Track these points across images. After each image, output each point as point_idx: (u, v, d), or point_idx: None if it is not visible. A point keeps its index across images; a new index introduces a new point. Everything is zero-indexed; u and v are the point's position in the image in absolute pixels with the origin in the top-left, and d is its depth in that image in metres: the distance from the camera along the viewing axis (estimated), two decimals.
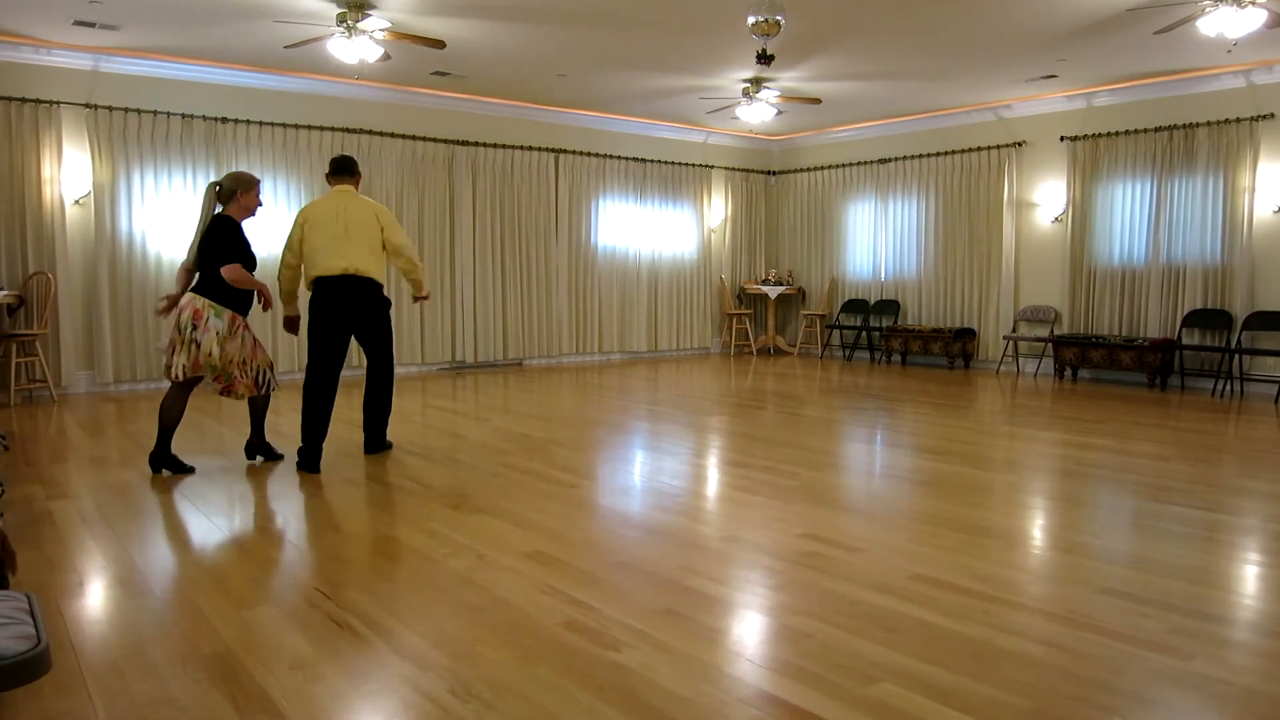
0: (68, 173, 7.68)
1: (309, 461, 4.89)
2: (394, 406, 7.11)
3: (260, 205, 4.87)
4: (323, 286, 4.99)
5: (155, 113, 7.99)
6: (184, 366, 4.58)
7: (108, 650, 2.56)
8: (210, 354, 4.58)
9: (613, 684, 2.34)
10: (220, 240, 4.63)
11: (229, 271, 4.60)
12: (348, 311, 5.04)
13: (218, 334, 4.61)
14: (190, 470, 4.82)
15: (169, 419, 4.74)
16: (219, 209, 4.75)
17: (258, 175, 8.44)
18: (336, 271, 4.95)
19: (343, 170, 5.20)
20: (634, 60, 8.07)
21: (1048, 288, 9.69)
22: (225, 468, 4.94)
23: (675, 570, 3.24)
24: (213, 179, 8.23)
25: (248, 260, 4.69)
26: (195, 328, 4.58)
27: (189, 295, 4.66)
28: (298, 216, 5.05)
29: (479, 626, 2.72)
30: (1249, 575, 3.29)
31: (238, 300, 4.70)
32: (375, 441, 5.37)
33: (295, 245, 5.03)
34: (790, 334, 12.47)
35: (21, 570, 3.01)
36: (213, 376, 4.65)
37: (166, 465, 4.79)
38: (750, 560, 3.38)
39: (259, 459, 5.13)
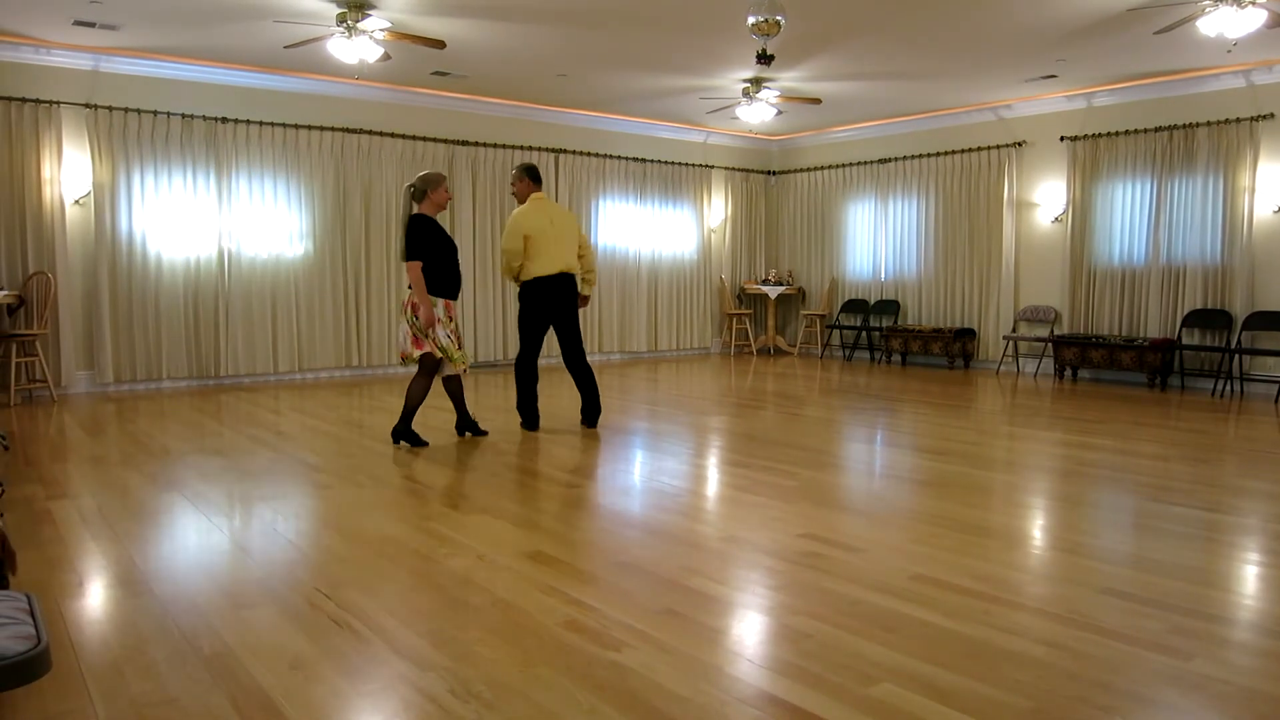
0: (68, 173, 7.68)
1: (532, 422, 6.10)
2: (395, 406, 7.13)
3: (449, 198, 5.51)
4: (541, 284, 5.92)
5: (155, 113, 7.99)
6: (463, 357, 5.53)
7: (108, 650, 2.55)
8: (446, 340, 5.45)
9: (613, 684, 2.34)
10: (410, 237, 5.30)
11: (410, 268, 5.29)
12: (561, 304, 6.00)
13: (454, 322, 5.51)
14: (425, 444, 5.52)
15: (417, 400, 5.45)
16: (415, 209, 5.40)
17: (260, 174, 8.51)
18: (555, 270, 5.92)
19: (540, 179, 6.09)
20: (634, 60, 8.07)
21: (1048, 288, 9.70)
22: (226, 467, 4.94)
23: (675, 570, 3.24)
24: (215, 178, 8.27)
25: (433, 254, 5.33)
26: (452, 320, 5.46)
27: (442, 301, 5.40)
28: (518, 227, 5.84)
29: (479, 626, 2.72)
30: (1249, 575, 3.29)
31: (445, 288, 5.41)
32: (597, 415, 6.23)
33: (520, 251, 5.87)
34: (790, 334, 12.47)
35: (21, 570, 3.02)
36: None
37: (406, 438, 5.51)
38: (750, 560, 3.38)
39: (468, 435, 5.83)
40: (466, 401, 5.89)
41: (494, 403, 7.35)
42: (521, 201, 5.99)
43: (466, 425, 5.84)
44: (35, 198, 7.54)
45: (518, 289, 6.07)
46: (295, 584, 3.11)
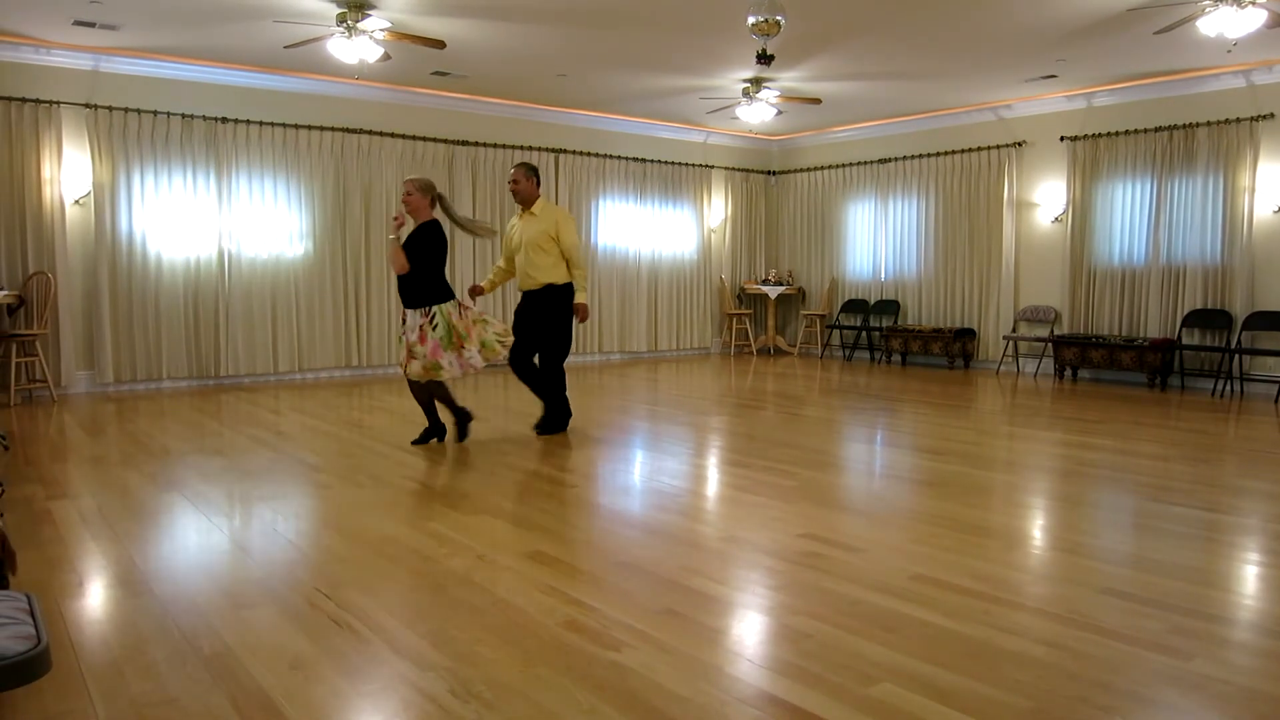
0: (68, 173, 7.68)
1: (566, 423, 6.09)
2: (395, 406, 7.11)
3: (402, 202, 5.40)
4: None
5: (155, 113, 7.99)
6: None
7: (108, 650, 2.55)
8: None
9: (613, 684, 2.34)
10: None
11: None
12: None
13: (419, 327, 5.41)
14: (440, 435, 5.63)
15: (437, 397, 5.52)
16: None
17: (260, 174, 8.51)
18: None
19: None
20: (634, 60, 8.07)
21: (1048, 288, 9.69)
22: (225, 467, 4.94)
23: (675, 570, 3.24)
24: (215, 178, 8.28)
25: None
26: (403, 325, 5.47)
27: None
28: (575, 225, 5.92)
29: (479, 626, 2.72)
30: (1249, 575, 3.29)
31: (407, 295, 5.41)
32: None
33: None
34: (790, 334, 12.47)
35: (21, 570, 3.01)
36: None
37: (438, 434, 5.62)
38: (750, 560, 3.38)
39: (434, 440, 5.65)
40: (454, 407, 5.63)
41: (496, 403, 7.34)
42: (526, 203, 5.82)
43: (433, 432, 5.63)
44: (35, 198, 7.54)
45: (535, 290, 5.80)
46: (295, 584, 3.11)
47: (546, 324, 5.82)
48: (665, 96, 9.63)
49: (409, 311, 5.34)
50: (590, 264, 10.84)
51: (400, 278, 5.29)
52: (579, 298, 5.80)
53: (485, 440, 5.75)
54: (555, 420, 5.99)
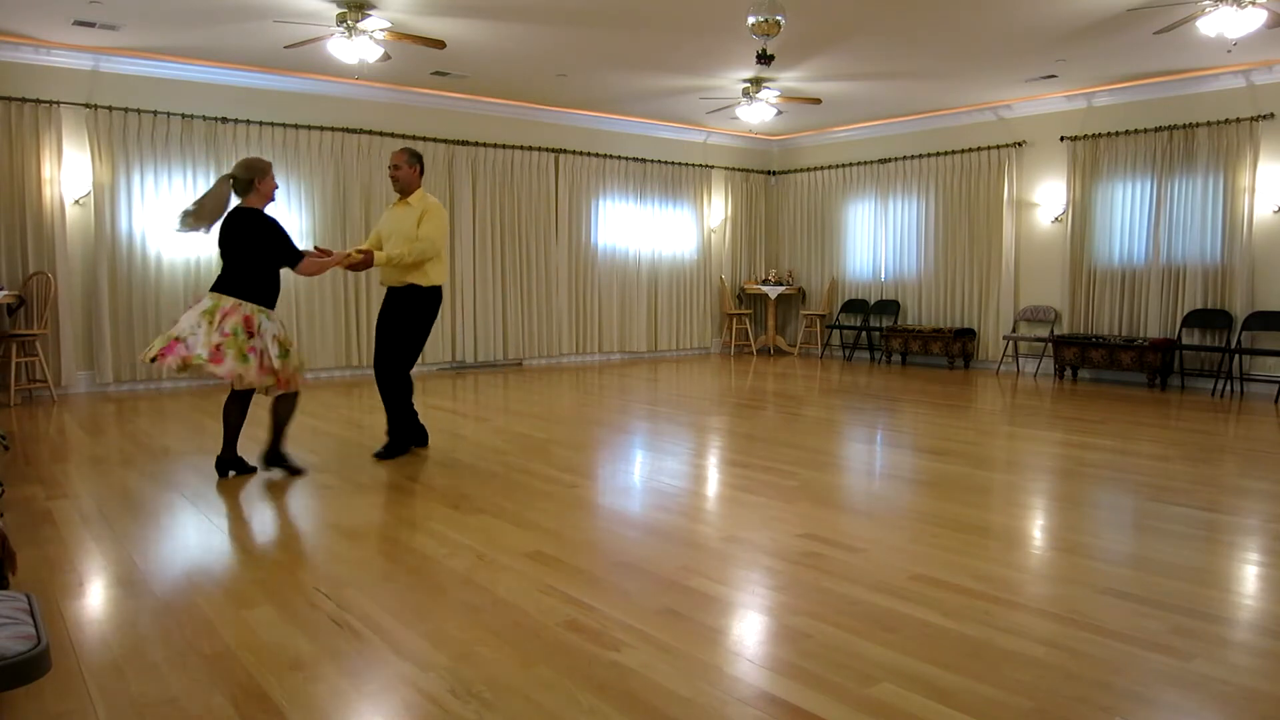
0: (68, 173, 7.68)
1: (424, 437, 5.53)
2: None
3: (276, 188, 4.76)
4: (440, 293, 5.33)
5: (155, 113, 7.99)
6: (245, 377, 4.41)
7: (108, 650, 2.55)
8: (275, 358, 4.48)
9: (613, 684, 2.34)
10: (271, 240, 4.58)
11: (307, 268, 4.79)
12: None
13: (274, 337, 4.53)
14: (253, 470, 4.78)
15: (232, 421, 4.68)
16: (235, 202, 4.61)
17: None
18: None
19: None
20: (634, 60, 8.07)
21: (1048, 288, 9.69)
22: None
23: (675, 570, 3.24)
24: (215, 179, 8.25)
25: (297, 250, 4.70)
26: (251, 336, 4.42)
27: (232, 300, 4.44)
28: (446, 222, 5.27)
29: (479, 626, 2.72)
30: (1249, 575, 3.29)
31: (273, 297, 4.67)
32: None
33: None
34: (790, 334, 12.47)
35: (21, 570, 3.01)
36: (274, 381, 4.53)
37: (233, 467, 4.72)
38: (750, 560, 3.38)
39: (276, 471, 4.81)
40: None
41: (495, 404, 7.33)
42: (405, 192, 5.22)
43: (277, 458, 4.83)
44: (35, 198, 7.53)
45: (398, 288, 5.26)
46: (295, 584, 3.11)
47: (401, 326, 5.26)
48: (665, 96, 9.63)
49: (262, 315, 4.54)
50: (590, 264, 10.85)
51: (249, 273, 4.56)
52: (378, 259, 5.10)
53: (484, 441, 5.75)
54: (401, 443, 5.29)
